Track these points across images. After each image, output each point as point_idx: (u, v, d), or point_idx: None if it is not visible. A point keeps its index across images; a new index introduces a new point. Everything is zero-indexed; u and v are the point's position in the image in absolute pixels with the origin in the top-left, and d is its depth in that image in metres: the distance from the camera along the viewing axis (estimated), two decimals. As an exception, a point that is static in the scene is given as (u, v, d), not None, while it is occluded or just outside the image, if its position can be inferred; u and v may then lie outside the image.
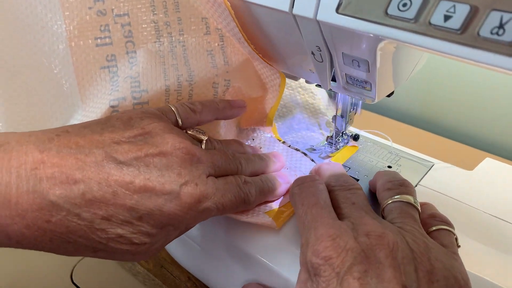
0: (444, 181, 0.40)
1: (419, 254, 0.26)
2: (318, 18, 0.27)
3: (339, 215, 0.30)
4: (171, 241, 0.30)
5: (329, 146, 0.45)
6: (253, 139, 0.46)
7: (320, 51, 0.30)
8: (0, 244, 0.24)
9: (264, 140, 0.46)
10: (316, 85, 0.39)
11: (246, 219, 0.35)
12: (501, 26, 0.21)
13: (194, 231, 0.39)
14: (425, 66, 0.37)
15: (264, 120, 0.45)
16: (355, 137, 0.45)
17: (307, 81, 0.41)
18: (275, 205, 0.37)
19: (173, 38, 0.34)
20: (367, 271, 0.25)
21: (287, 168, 0.42)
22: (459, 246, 0.31)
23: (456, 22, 0.22)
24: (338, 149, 0.44)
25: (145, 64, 0.33)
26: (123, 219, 0.26)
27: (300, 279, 0.27)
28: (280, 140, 0.46)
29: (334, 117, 0.44)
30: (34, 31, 0.32)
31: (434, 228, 0.31)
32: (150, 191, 0.26)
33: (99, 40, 0.32)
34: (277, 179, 0.37)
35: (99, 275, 0.50)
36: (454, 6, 0.22)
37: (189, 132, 0.32)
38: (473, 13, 0.22)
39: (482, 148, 0.56)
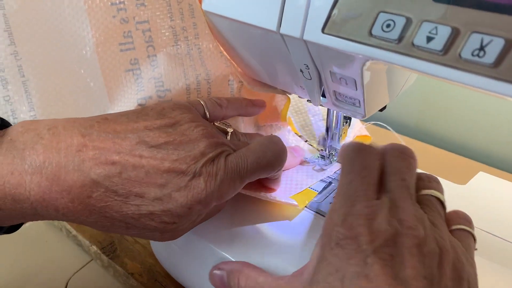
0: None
1: (444, 252, 0.26)
2: (305, 37, 0.27)
3: (384, 186, 0.30)
4: (196, 224, 0.33)
5: (322, 159, 0.45)
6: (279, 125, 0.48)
7: (308, 69, 0.31)
8: (49, 215, 0.28)
9: (283, 135, 0.48)
10: (307, 100, 0.39)
11: (272, 199, 0.39)
12: (481, 48, 0.21)
13: (188, 242, 0.39)
14: (420, 77, 0.37)
15: (278, 116, 0.47)
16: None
17: (299, 96, 0.41)
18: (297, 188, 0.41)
19: (189, 41, 0.37)
20: (392, 256, 0.25)
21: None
22: (475, 249, 0.31)
23: (438, 44, 0.22)
24: (331, 163, 0.44)
25: (166, 66, 0.36)
26: (154, 196, 0.28)
27: (320, 243, 0.27)
28: (297, 134, 0.49)
29: (327, 131, 0.44)
30: (64, 39, 0.34)
31: (456, 226, 0.31)
32: (178, 171, 0.29)
33: (123, 46, 0.35)
34: (292, 153, 0.43)
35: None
36: (436, 27, 0.22)
37: (216, 123, 0.35)
38: (455, 35, 0.22)
39: (478, 159, 0.56)
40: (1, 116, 0.34)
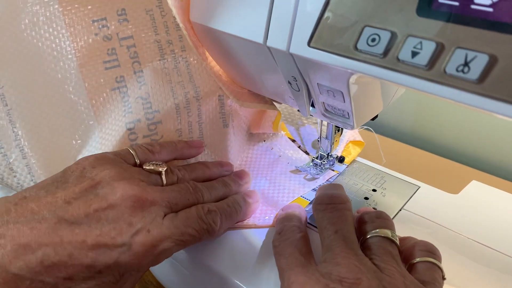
0: (429, 205, 0.40)
1: None
2: (291, 51, 0.27)
3: (321, 245, 0.30)
4: (142, 276, 0.31)
5: (314, 167, 0.44)
6: (264, 141, 0.48)
7: (296, 81, 0.30)
8: None
9: (276, 140, 0.48)
10: (297, 110, 0.39)
11: (252, 223, 0.38)
12: (466, 64, 0.21)
13: (181, 255, 0.39)
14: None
15: (270, 126, 0.47)
16: (341, 159, 0.45)
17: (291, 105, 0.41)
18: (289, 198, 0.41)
19: (176, 54, 0.36)
20: None
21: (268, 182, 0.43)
22: (444, 279, 0.30)
23: (423, 59, 0.22)
24: (322, 171, 0.44)
25: (153, 84, 0.35)
26: (84, 276, 0.27)
27: None
28: (291, 138, 0.49)
29: (319, 139, 0.44)
30: (47, 61, 0.34)
31: (417, 260, 0.30)
32: (104, 247, 0.27)
33: (107, 64, 0.35)
34: (246, 199, 0.38)
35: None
36: (421, 42, 0.22)
37: (146, 167, 0.33)
38: (439, 50, 0.22)
39: (472, 165, 0.56)
40: None
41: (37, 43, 0.33)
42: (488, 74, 0.21)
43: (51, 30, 0.33)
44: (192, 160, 0.40)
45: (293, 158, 0.47)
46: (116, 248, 0.27)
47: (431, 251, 0.31)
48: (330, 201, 0.32)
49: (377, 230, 0.31)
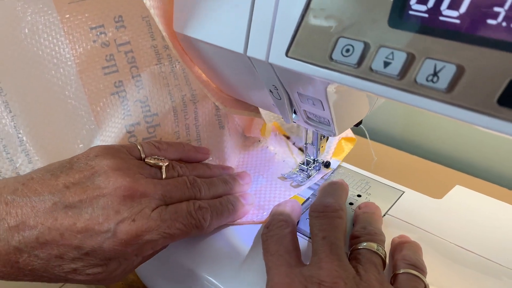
0: (413, 210, 0.41)
1: None
2: (270, 61, 0.27)
3: (312, 249, 0.31)
4: (135, 266, 0.34)
5: (300, 174, 0.45)
6: (259, 140, 0.49)
7: (277, 89, 0.31)
8: None
9: (270, 138, 0.49)
10: (282, 117, 0.39)
11: (251, 220, 0.39)
12: (435, 73, 0.22)
13: (170, 262, 0.39)
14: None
15: (259, 131, 0.48)
16: (326, 164, 0.46)
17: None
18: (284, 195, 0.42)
19: (173, 59, 0.37)
20: None
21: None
22: None
23: (395, 69, 0.23)
24: (309, 176, 0.44)
25: (151, 87, 0.37)
26: (73, 256, 0.30)
27: None
28: (285, 135, 0.50)
29: (305, 145, 0.44)
30: (47, 68, 0.35)
31: (401, 271, 0.32)
32: (91, 230, 0.29)
33: (106, 69, 0.36)
34: (240, 200, 0.39)
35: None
36: (392, 53, 0.23)
37: (147, 160, 0.35)
38: (410, 60, 0.22)
39: (457, 168, 0.57)
40: None
41: (37, 51, 0.34)
42: (456, 84, 0.21)
43: (50, 38, 0.34)
44: None
45: (287, 156, 0.48)
46: (102, 233, 0.30)
47: (415, 265, 0.32)
48: (323, 209, 0.34)
49: (365, 243, 0.32)
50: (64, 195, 0.30)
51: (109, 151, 0.33)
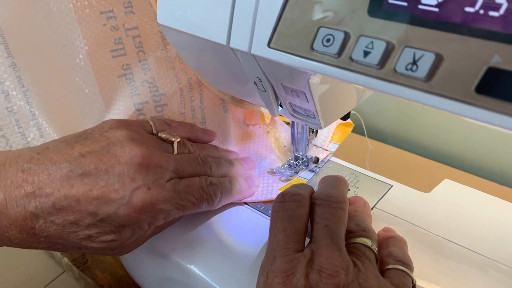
0: (401, 204, 0.41)
1: None
2: (253, 52, 0.27)
3: (311, 237, 0.31)
4: (146, 238, 0.35)
5: (289, 169, 0.45)
6: (260, 127, 0.50)
7: (261, 81, 0.31)
8: (6, 244, 0.30)
9: (271, 124, 0.50)
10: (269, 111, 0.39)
11: (261, 198, 0.41)
12: (414, 62, 0.22)
13: (157, 256, 0.39)
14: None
15: (259, 118, 0.49)
16: (315, 161, 0.46)
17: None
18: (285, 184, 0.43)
19: None
20: None
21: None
22: (414, 287, 0.31)
23: (374, 58, 0.23)
24: (298, 172, 0.44)
25: (157, 70, 0.38)
26: (88, 223, 0.30)
27: None
28: (286, 122, 0.50)
29: (294, 141, 0.44)
30: (58, 49, 0.36)
31: (390, 266, 0.32)
32: (107, 197, 0.30)
33: (114, 52, 0.37)
34: (247, 182, 0.41)
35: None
36: (372, 42, 0.23)
37: (160, 134, 0.36)
38: (389, 49, 0.22)
39: (446, 163, 0.57)
40: (5, 127, 0.37)
41: (50, 32, 0.35)
42: (435, 72, 0.21)
43: (62, 21, 0.35)
44: None
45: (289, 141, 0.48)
46: (117, 200, 0.30)
47: (403, 261, 0.32)
48: (327, 198, 0.33)
49: (360, 238, 0.32)
50: (80, 163, 0.30)
51: (123, 123, 0.34)
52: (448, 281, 0.33)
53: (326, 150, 0.46)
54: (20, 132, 0.37)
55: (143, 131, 0.35)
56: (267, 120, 0.49)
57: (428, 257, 0.35)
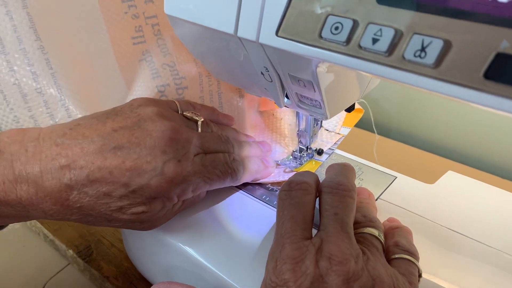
0: (405, 195, 0.41)
1: (378, 282, 0.27)
2: (260, 41, 0.27)
3: (319, 224, 0.31)
4: (175, 212, 0.36)
5: (293, 161, 0.45)
6: (273, 114, 0.50)
7: (268, 71, 0.31)
8: (40, 216, 0.32)
9: (284, 110, 0.50)
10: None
11: (273, 180, 0.43)
12: (423, 49, 0.22)
13: (162, 248, 0.39)
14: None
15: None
16: (319, 152, 0.46)
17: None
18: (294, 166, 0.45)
19: None
20: None
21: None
22: (420, 276, 0.31)
23: (383, 45, 0.23)
24: (302, 164, 0.45)
25: (177, 54, 0.39)
26: (120, 194, 0.31)
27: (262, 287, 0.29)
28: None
29: (298, 132, 0.44)
30: (82, 34, 0.38)
31: (396, 256, 0.32)
32: (139, 169, 0.31)
33: (135, 40, 0.38)
34: (264, 163, 0.43)
35: (69, 292, 0.51)
36: (380, 29, 0.23)
37: (185, 113, 0.37)
38: (398, 36, 0.22)
39: (449, 157, 0.57)
40: (35, 107, 0.38)
41: (75, 19, 0.37)
42: (443, 59, 0.21)
43: (85, 7, 0.37)
44: None
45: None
46: (149, 171, 0.32)
47: (409, 251, 0.32)
48: (337, 186, 0.33)
49: (367, 228, 0.33)
50: (112, 137, 0.32)
51: (151, 101, 0.36)
52: (451, 270, 0.34)
53: (339, 133, 0.47)
54: (48, 113, 0.39)
55: (170, 109, 0.36)
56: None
57: (431, 247, 0.36)
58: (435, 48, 0.21)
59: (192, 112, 0.38)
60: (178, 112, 0.37)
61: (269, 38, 0.27)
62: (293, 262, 0.27)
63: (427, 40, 0.22)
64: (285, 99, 0.35)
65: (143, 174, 0.31)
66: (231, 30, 0.29)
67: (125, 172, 0.31)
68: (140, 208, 0.32)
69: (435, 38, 0.21)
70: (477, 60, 0.20)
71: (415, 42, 0.22)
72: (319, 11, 0.25)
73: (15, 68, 0.37)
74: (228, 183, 0.38)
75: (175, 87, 0.40)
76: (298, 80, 0.30)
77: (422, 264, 0.32)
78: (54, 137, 0.31)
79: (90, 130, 0.32)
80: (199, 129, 0.37)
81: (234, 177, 0.38)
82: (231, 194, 0.41)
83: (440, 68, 0.21)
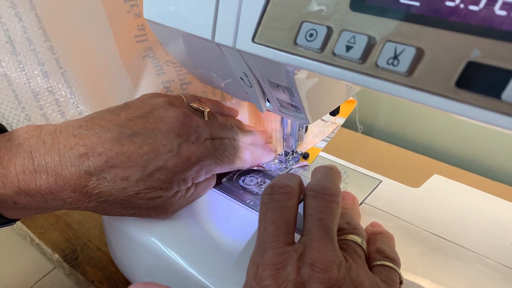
0: (390, 199, 0.41)
1: None
2: (237, 47, 0.27)
3: (304, 228, 0.31)
4: (187, 200, 0.38)
5: (278, 164, 0.45)
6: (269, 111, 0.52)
7: (247, 77, 0.31)
8: (58, 206, 0.33)
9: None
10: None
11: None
12: (395, 57, 0.22)
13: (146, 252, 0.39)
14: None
15: None
16: (305, 156, 0.46)
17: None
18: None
19: None
20: None
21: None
22: (401, 283, 0.31)
23: (356, 52, 0.23)
24: (287, 168, 0.45)
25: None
26: (138, 178, 0.33)
27: None
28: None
29: (284, 136, 0.44)
30: (87, 35, 0.39)
31: (377, 263, 0.31)
32: (156, 151, 0.33)
33: (138, 38, 0.40)
34: (266, 148, 0.45)
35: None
36: (354, 37, 0.23)
37: (192, 104, 0.39)
38: (371, 44, 0.22)
39: (436, 157, 0.57)
40: (46, 106, 0.39)
41: (80, 18, 0.38)
42: (416, 67, 0.21)
43: (91, 8, 0.38)
44: None
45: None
46: (166, 153, 0.33)
47: (390, 257, 0.32)
48: (322, 191, 0.32)
49: (350, 235, 0.32)
50: (128, 125, 0.33)
51: (159, 94, 0.38)
52: (435, 275, 0.34)
53: (335, 123, 0.48)
54: (59, 111, 0.40)
55: (178, 100, 0.38)
56: None
57: (416, 251, 0.35)
58: (407, 55, 0.21)
59: (199, 103, 0.39)
60: (185, 104, 0.39)
61: (245, 44, 0.27)
62: (274, 268, 0.27)
63: (399, 47, 0.21)
64: (267, 104, 0.35)
65: (160, 156, 0.33)
66: (208, 36, 0.29)
67: (143, 156, 0.32)
68: (156, 193, 0.34)
69: (407, 45, 0.21)
70: (449, 69, 0.20)
71: (388, 50, 0.22)
72: (294, 17, 0.24)
73: (26, 68, 0.38)
74: (236, 166, 0.40)
75: (180, 82, 0.42)
76: (277, 86, 0.30)
77: (405, 268, 0.32)
78: (71, 129, 0.33)
79: (105, 120, 0.34)
80: (206, 118, 0.39)
81: (242, 160, 0.40)
82: (216, 199, 0.41)
83: (412, 76, 0.21)
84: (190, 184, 0.36)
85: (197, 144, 0.35)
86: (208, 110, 0.39)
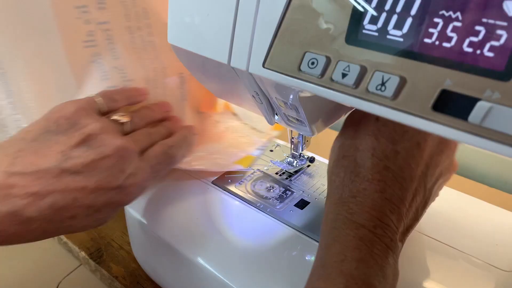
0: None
1: None
2: (250, 71, 0.31)
3: None
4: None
5: (287, 166, 0.49)
6: (211, 116, 0.54)
7: (258, 95, 0.35)
8: (3, 243, 0.31)
9: (220, 114, 0.55)
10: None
11: (225, 169, 0.48)
12: (383, 83, 0.26)
13: (166, 252, 0.44)
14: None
15: (213, 104, 0.54)
16: (311, 160, 0.50)
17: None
18: (240, 155, 0.51)
19: (144, 38, 0.43)
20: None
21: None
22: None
23: (350, 79, 0.27)
24: (296, 167, 0.49)
25: (126, 59, 0.42)
26: (85, 214, 0.33)
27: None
28: (232, 112, 0.56)
29: (292, 139, 0.48)
30: (34, 38, 0.39)
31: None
32: (102, 189, 0.33)
33: (86, 43, 0.41)
34: (190, 129, 0.45)
35: (81, 291, 0.55)
36: (348, 66, 0.27)
37: (113, 117, 0.38)
38: (363, 72, 0.26)
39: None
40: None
41: (27, 23, 0.39)
42: (400, 93, 0.25)
43: (39, 11, 0.38)
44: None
45: (237, 129, 0.54)
46: (112, 190, 0.34)
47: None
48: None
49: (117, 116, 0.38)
50: (66, 163, 0.32)
51: (85, 112, 0.35)
52: (427, 274, 0.37)
53: (270, 134, 0.54)
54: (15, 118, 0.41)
55: (102, 118, 0.37)
56: (218, 109, 0.55)
57: (408, 253, 0.39)
58: (392, 83, 0.25)
59: (118, 115, 0.38)
60: (104, 112, 0.38)
61: (257, 68, 0.31)
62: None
63: (386, 76, 0.26)
64: (276, 117, 0.39)
65: (106, 193, 0.34)
66: (225, 60, 0.33)
67: (88, 195, 0.33)
68: (103, 222, 0.36)
69: (392, 75, 0.25)
70: (426, 95, 0.24)
71: (377, 78, 0.26)
72: (298, 48, 0.29)
73: None
74: (173, 166, 0.41)
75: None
76: (284, 103, 0.34)
77: (400, 267, 0.35)
78: (5, 166, 0.31)
79: (37, 157, 0.32)
80: (128, 129, 0.38)
81: (178, 160, 0.41)
82: (231, 205, 0.45)
83: (397, 100, 0.25)
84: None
85: (139, 174, 0.36)
86: (128, 120, 0.38)
